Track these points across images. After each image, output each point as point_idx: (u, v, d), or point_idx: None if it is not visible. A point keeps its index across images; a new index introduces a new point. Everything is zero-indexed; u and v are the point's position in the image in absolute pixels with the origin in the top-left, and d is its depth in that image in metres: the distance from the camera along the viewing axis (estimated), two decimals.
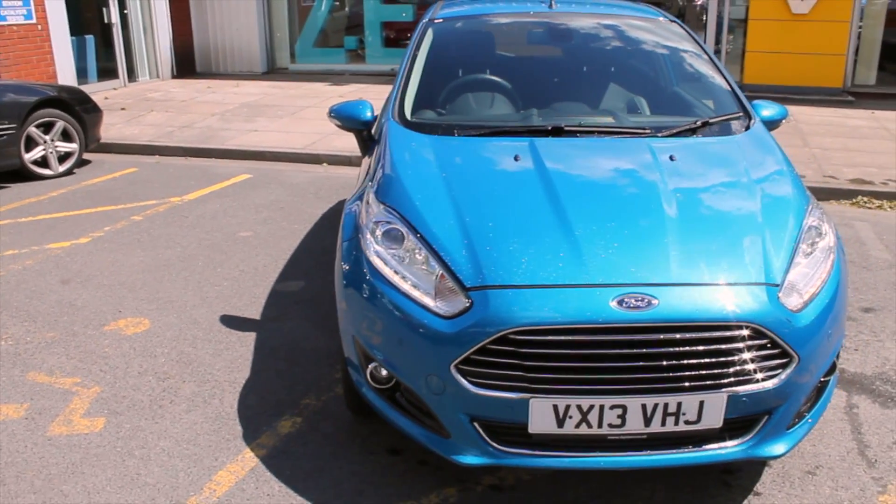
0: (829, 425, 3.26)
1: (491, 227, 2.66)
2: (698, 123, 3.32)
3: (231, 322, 4.32)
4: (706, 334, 2.37)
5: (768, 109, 3.76)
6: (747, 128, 3.41)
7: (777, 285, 2.51)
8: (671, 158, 3.01)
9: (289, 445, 3.17)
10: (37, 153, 7.28)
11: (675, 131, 3.27)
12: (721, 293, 2.43)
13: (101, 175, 7.58)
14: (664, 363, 2.36)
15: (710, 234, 2.65)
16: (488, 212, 2.74)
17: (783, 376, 2.45)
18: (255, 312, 4.43)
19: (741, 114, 3.50)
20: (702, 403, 2.41)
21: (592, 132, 3.26)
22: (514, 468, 2.91)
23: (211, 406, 3.46)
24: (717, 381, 2.39)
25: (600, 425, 2.43)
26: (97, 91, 10.63)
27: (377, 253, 2.75)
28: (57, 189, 7.07)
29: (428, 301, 2.54)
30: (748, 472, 2.95)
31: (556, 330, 2.36)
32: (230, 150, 8.18)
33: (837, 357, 2.79)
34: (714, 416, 2.44)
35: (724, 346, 2.38)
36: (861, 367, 3.74)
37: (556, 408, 2.41)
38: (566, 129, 3.24)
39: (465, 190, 2.86)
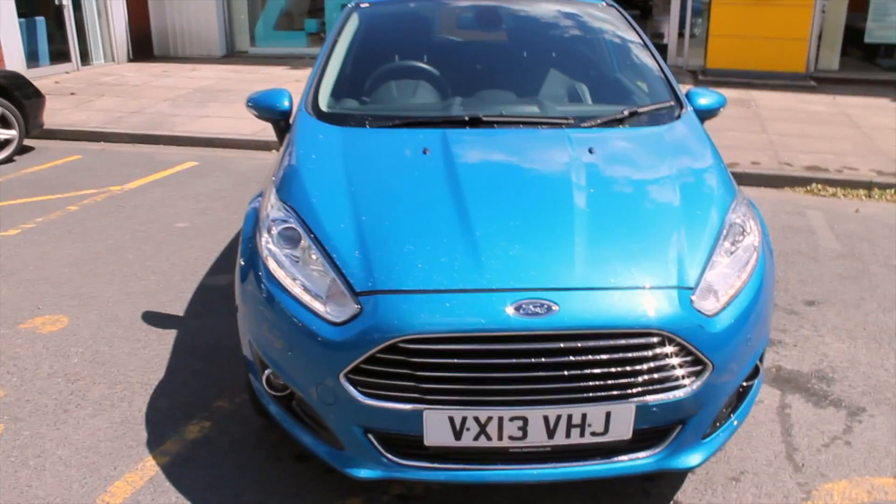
0: (758, 427, 3.14)
1: (387, 227, 2.50)
2: (625, 113, 3.16)
3: (152, 319, 4.13)
4: (611, 342, 2.22)
5: (706, 98, 3.61)
6: (678, 117, 3.25)
7: (690, 288, 2.36)
8: (590, 151, 2.85)
9: (193, 452, 3.01)
10: None
11: (599, 122, 3.11)
12: (628, 298, 2.28)
13: (42, 163, 7.32)
14: (566, 373, 2.21)
15: (622, 234, 2.50)
16: (387, 210, 2.58)
17: (696, 385, 2.32)
18: (179, 308, 4.25)
19: (672, 103, 3.34)
20: (608, 414, 2.27)
21: (512, 123, 3.09)
22: None
23: (118, 410, 3.29)
24: (625, 391, 2.25)
25: (500, 438, 2.29)
26: (48, 75, 10.32)
27: (272, 254, 2.58)
28: None
29: (318, 306, 2.38)
30: (670, 479, 2.82)
31: (449, 338, 2.20)
32: (178, 137, 7.93)
33: (761, 360, 2.66)
34: (622, 428, 2.30)
35: (630, 355, 2.24)
36: (798, 365, 3.63)
37: (451, 420, 2.26)
38: (484, 119, 3.07)
39: (366, 186, 2.70)
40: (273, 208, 2.74)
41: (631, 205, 2.64)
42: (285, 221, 2.65)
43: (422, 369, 2.22)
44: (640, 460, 2.40)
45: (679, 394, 2.30)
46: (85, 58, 11.67)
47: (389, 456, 2.38)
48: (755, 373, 2.66)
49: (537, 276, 2.29)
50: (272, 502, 2.73)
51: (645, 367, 2.24)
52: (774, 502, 2.72)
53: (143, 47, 12.55)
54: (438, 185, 2.65)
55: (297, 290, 2.45)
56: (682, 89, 3.75)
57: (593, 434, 2.30)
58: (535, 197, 2.63)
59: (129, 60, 12.21)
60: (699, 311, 2.33)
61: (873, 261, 4.88)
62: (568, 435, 2.29)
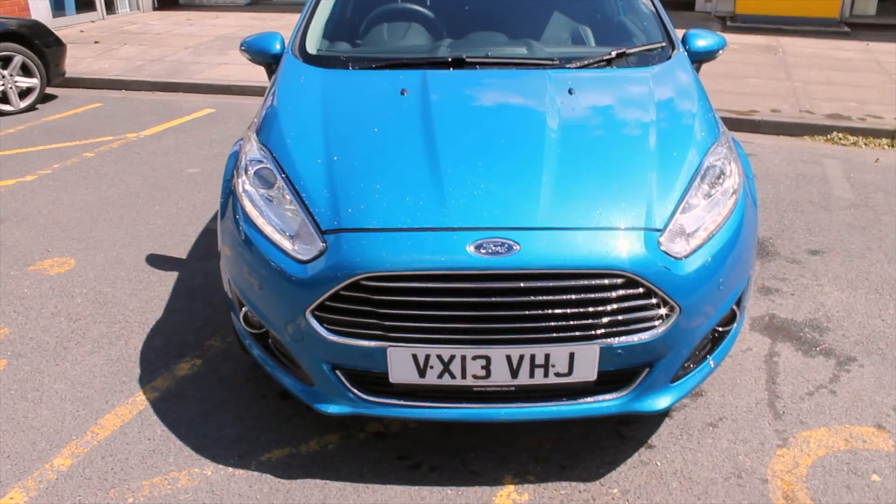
0: (743, 374, 3.12)
1: (356, 166, 2.50)
2: (612, 54, 3.08)
3: (156, 261, 4.22)
4: (573, 282, 2.21)
5: (704, 39, 3.50)
6: (668, 59, 3.16)
7: (658, 230, 2.33)
8: (570, 92, 2.80)
9: (182, 388, 3.10)
10: None
11: (585, 63, 3.04)
12: (591, 238, 2.26)
13: (64, 111, 7.43)
14: (528, 312, 2.21)
15: (592, 175, 2.46)
16: (358, 150, 2.57)
17: (663, 328, 2.30)
18: (182, 251, 4.33)
19: (664, 44, 3.24)
20: (572, 355, 2.27)
21: (496, 64, 3.04)
22: None
23: (115, 348, 3.39)
24: (588, 333, 2.25)
25: (464, 376, 2.31)
26: (74, 24, 10.40)
27: (247, 194, 2.62)
28: (16, 125, 6.94)
29: (287, 245, 2.41)
30: (645, 423, 2.83)
31: (410, 276, 2.21)
32: (197, 84, 7.97)
33: (739, 305, 2.63)
34: (587, 369, 2.30)
35: (593, 296, 2.22)
36: (793, 314, 3.58)
37: (415, 357, 2.29)
38: (468, 60, 3.02)
39: (341, 127, 2.69)
40: (251, 149, 2.77)
41: (604, 145, 2.59)
42: (261, 162, 2.67)
43: (384, 307, 2.25)
44: (606, 402, 2.40)
45: (645, 336, 2.29)
46: (110, 7, 11.74)
47: (357, 392, 2.43)
48: (732, 318, 2.63)
49: (499, 216, 2.28)
50: (251, 436, 2.81)
51: (608, 308, 2.23)
52: (749, 448, 2.71)
53: None
54: (411, 125, 2.63)
55: (268, 230, 2.48)
56: (704, 32, 3.62)
57: (557, 375, 2.31)
58: (507, 137, 2.60)
59: (155, 9, 12.24)
60: (667, 254, 2.30)
61: (886, 210, 4.74)
62: (532, 375, 2.30)
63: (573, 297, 2.21)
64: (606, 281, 2.21)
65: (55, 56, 7.58)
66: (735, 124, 6.32)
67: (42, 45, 7.40)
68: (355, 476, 2.61)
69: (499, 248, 2.20)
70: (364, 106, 2.85)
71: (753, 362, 3.21)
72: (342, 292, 2.27)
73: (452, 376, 2.31)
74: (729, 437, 2.77)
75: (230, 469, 2.66)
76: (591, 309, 2.22)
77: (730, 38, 9.66)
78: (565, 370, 2.30)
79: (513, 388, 2.35)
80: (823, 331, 3.44)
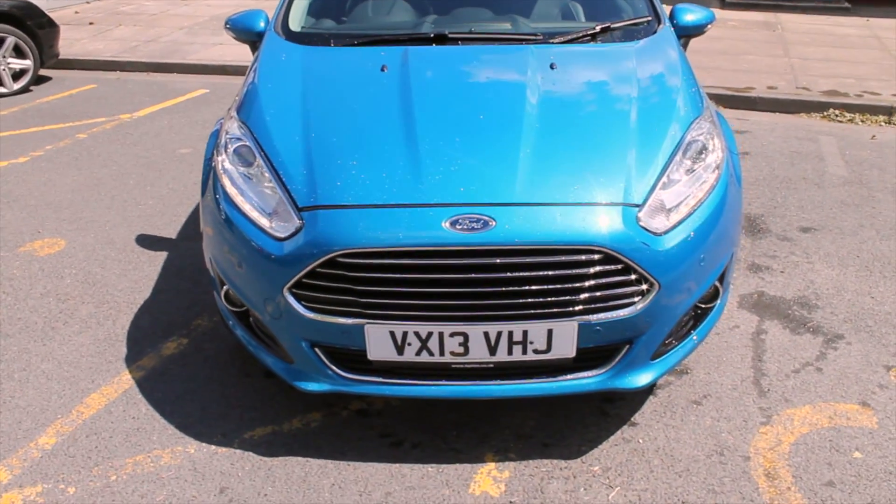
0: (730, 352, 3.11)
1: (334, 143, 2.48)
2: (597, 29, 3.04)
3: (146, 241, 4.22)
4: (550, 258, 2.19)
5: (692, 14, 3.45)
6: (654, 33, 3.12)
7: (637, 205, 2.30)
8: (551, 66, 2.76)
9: (168, 367, 3.11)
10: None
11: (569, 38, 3.00)
12: (568, 214, 2.23)
13: (58, 92, 7.40)
14: (505, 289, 2.20)
15: (571, 150, 2.43)
16: (336, 127, 2.55)
17: (642, 304, 2.28)
18: (172, 231, 4.33)
19: (649, 18, 3.19)
20: (550, 332, 2.26)
21: (479, 40, 3.00)
22: None
23: (103, 328, 3.40)
24: (566, 309, 2.23)
25: (442, 353, 2.30)
26: (69, 5, 10.33)
27: (227, 171, 2.60)
28: (9, 107, 6.91)
29: (264, 222, 2.40)
30: (630, 401, 2.83)
31: (386, 253, 2.20)
32: (192, 65, 7.93)
33: (722, 281, 2.61)
34: (565, 346, 2.29)
35: (570, 272, 2.20)
36: (782, 291, 3.56)
37: (393, 335, 2.28)
38: (450, 36, 2.98)
39: (321, 104, 2.67)
40: (231, 127, 2.75)
41: (584, 120, 2.56)
42: (240, 140, 2.65)
43: (361, 283, 2.24)
44: (586, 379, 2.40)
45: (623, 313, 2.28)
46: None
47: (336, 370, 2.43)
48: (715, 294, 2.61)
49: (476, 191, 2.26)
50: (235, 414, 2.82)
51: (586, 284, 2.21)
52: (732, 426, 2.71)
53: None
54: (390, 101, 2.61)
55: (246, 207, 2.47)
56: (675, 6, 3.59)
57: (536, 352, 2.30)
58: (486, 112, 2.57)
59: None
60: (646, 229, 2.28)
61: (880, 188, 4.71)
62: (510, 352, 2.30)
63: (550, 273, 2.19)
64: (584, 257, 2.20)
65: (48, 37, 7.53)
66: (731, 101, 6.28)
67: (35, 27, 7.35)
68: (336, 453, 2.61)
69: (475, 224, 2.19)
70: (344, 83, 2.82)
71: (740, 340, 3.20)
72: (319, 269, 2.26)
73: (430, 353, 2.31)
74: (713, 415, 2.76)
75: (213, 447, 2.66)
76: (568, 285, 2.21)
77: (729, 14, 9.58)
78: (544, 347, 2.29)
79: (491, 365, 2.35)
80: (812, 308, 3.42)
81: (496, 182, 2.29)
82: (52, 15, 7.69)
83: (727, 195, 2.53)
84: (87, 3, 11.11)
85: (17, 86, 7.30)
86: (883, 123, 5.89)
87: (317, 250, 2.24)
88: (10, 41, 7.14)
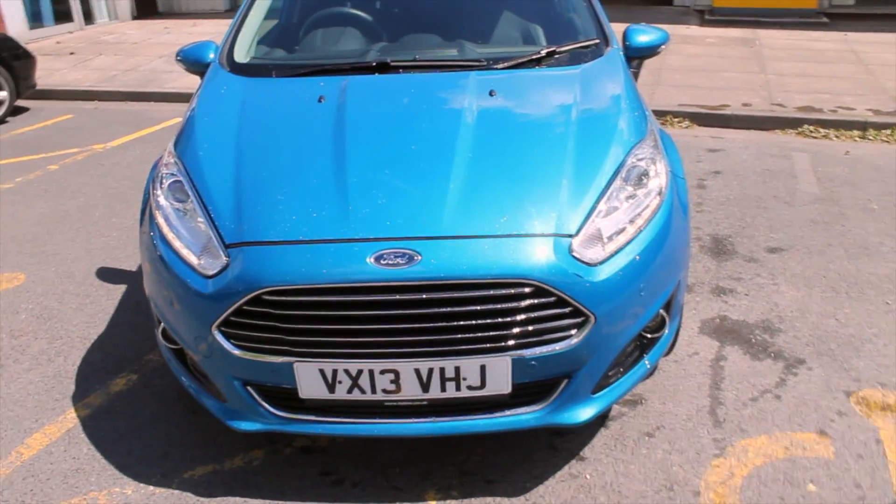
0: (687, 381, 3.04)
1: (263, 178, 2.44)
2: (542, 53, 3.00)
3: (105, 275, 4.17)
4: (479, 293, 2.13)
5: (645, 35, 3.41)
6: (600, 56, 3.07)
7: (569, 235, 2.24)
8: (490, 94, 2.72)
9: (114, 404, 3.04)
10: None
11: (512, 63, 2.96)
12: (497, 246, 2.17)
13: (33, 123, 7.39)
14: (434, 325, 2.14)
15: (504, 180, 2.38)
16: (266, 161, 2.51)
17: (578, 338, 2.21)
18: (133, 264, 4.27)
19: (597, 41, 3.15)
20: (483, 368, 2.19)
21: (421, 67, 2.96)
22: None
23: (54, 364, 3.33)
24: (498, 344, 2.17)
25: (374, 391, 2.24)
26: (51, 35, 10.36)
27: (161, 207, 2.56)
28: None
29: (193, 259, 2.34)
30: (580, 434, 2.75)
31: (311, 290, 2.14)
32: (169, 93, 7.92)
33: (668, 310, 2.54)
34: (500, 382, 2.22)
35: (501, 306, 2.14)
36: (745, 315, 3.49)
37: (322, 372, 2.22)
38: (392, 64, 2.94)
39: (254, 137, 2.63)
40: (167, 162, 2.71)
41: (519, 148, 2.50)
42: (174, 175, 2.61)
43: (287, 321, 2.18)
44: (524, 415, 2.32)
45: (559, 347, 2.21)
46: (88, 17, 11.68)
47: (269, 409, 2.36)
48: (661, 323, 2.55)
49: (402, 225, 2.20)
50: (177, 453, 2.75)
51: (517, 318, 2.15)
52: (684, 459, 2.63)
53: (147, 4, 12.50)
54: (324, 133, 2.56)
55: (177, 244, 2.42)
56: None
57: (470, 388, 2.23)
58: (419, 143, 2.52)
59: (134, 18, 12.19)
60: (579, 260, 2.22)
61: (851, 205, 4.65)
62: (443, 389, 2.23)
63: (480, 307, 2.13)
64: (514, 290, 2.13)
65: (25, 69, 7.54)
66: (705, 119, 6.24)
67: (10, 58, 7.36)
68: (276, 493, 2.54)
69: (399, 259, 2.13)
70: (280, 115, 2.78)
71: (699, 367, 3.13)
72: (245, 307, 2.21)
73: (362, 391, 2.24)
74: (665, 447, 2.68)
75: (151, 488, 2.59)
76: (499, 320, 2.15)
77: (707, 31, 9.59)
78: (478, 383, 2.22)
79: (425, 403, 2.28)
80: (775, 332, 3.35)
81: (423, 215, 2.24)
82: (33, 45, 7.73)
83: (670, 221, 2.47)
84: (70, 32, 11.14)
85: None
86: (857, 139, 5.85)
87: (242, 288, 2.19)
88: None
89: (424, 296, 2.11)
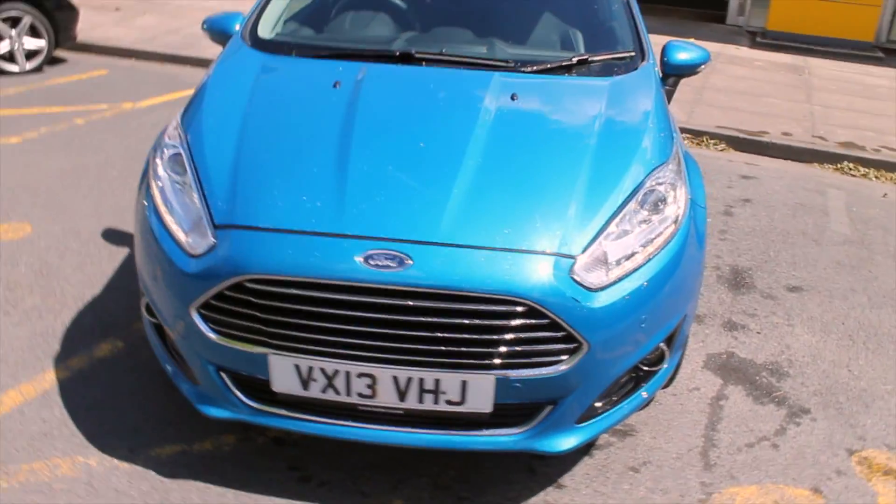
0: (682, 417, 2.90)
1: (264, 160, 2.35)
2: (574, 60, 2.87)
3: (111, 236, 4.12)
4: (469, 306, 2.02)
5: (685, 53, 3.26)
6: (634, 70, 2.93)
7: (572, 256, 2.12)
8: (512, 98, 2.60)
9: (96, 370, 2.99)
10: (2, 47, 7.11)
11: (540, 68, 2.83)
12: (493, 260, 2.06)
13: (68, 75, 7.39)
14: (417, 334, 2.04)
15: (512, 191, 2.26)
16: (270, 143, 2.42)
17: (568, 364, 2.10)
18: None
19: (633, 53, 3.01)
20: (464, 383, 2.09)
21: (445, 62, 2.85)
22: None
23: (43, 321, 3.29)
24: (483, 361, 2.06)
25: (349, 394, 2.15)
26: None
27: (158, 178, 2.49)
28: (18, 86, 6.91)
29: (181, 236, 2.27)
30: (563, 460, 2.63)
31: (294, 283, 2.05)
32: (205, 60, 7.85)
33: (670, 344, 2.41)
34: (481, 400, 2.12)
35: (490, 322, 2.03)
36: (754, 354, 3.34)
37: (297, 368, 2.13)
38: (416, 56, 2.83)
39: (261, 117, 2.55)
40: (171, 132, 2.64)
41: (533, 159, 2.38)
42: (175, 147, 2.54)
43: (267, 312, 2.09)
44: (502, 437, 2.22)
45: (547, 371, 2.10)
46: None
47: (242, 398, 2.29)
48: (660, 358, 2.42)
49: (397, 226, 2.10)
50: (148, 428, 2.69)
51: (506, 337, 2.04)
52: (667, 500, 2.50)
53: None
54: (333, 120, 2.46)
55: (167, 218, 2.35)
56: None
57: (449, 403, 2.13)
58: (429, 141, 2.41)
59: None
60: (579, 284, 2.10)
61: (882, 251, 4.45)
62: (421, 400, 2.13)
63: (468, 321, 2.03)
64: (505, 308, 2.02)
65: (66, 20, 7.53)
66: (742, 144, 6.04)
67: (52, 8, 7.34)
68: (240, 483, 2.46)
69: (390, 262, 2.03)
70: (292, 96, 2.68)
71: (697, 404, 2.99)
72: (226, 292, 2.12)
73: (337, 392, 2.15)
74: (648, 485, 2.56)
75: (115, 461, 2.53)
76: (487, 336, 2.04)
77: (756, 54, 9.33)
78: (457, 398, 2.12)
79: (401, 412, 2.18)
80: (782, 376, 3.20)
81: (420, 218, 2.13)
82: None
83: (682, 252, 2.34)
84: None
85: (29, 66, 7.30)
86: None
87: (225, 272, 2.10)
88: (27, 21, 7.14)
89: (411, 303, 2.01)
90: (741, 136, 6.06)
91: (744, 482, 2.60)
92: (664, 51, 3.29)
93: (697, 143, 6.21)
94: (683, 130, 6.28)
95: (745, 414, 2.95)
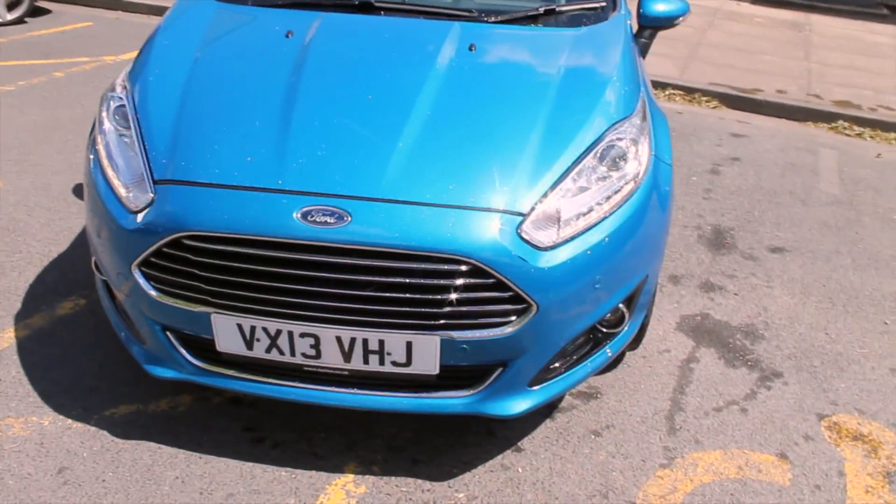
0: (650, 379, 2.85)
1: (207, 114, 2.26)
2: (540, 10, 2.74)
3: (81, 191, 4.04)
4: (411, 265, 1.95)
5: (662, 4, 3.13)
6: (604, 21, 2.80)
7: (521, 214, 2.04)
8: (470, 48, 2.48)
9: (56, 328, 2.94)
10: None
11: (504, 18, 2.70)
12: (436, 217, 1.98)
13: (51, 27, 7.24)
14: (359, 293, 1.97)
15: (460, 144, 2.16)
16: (214, 96, 2.33)
17: (516, 326, 2.03)
18: None
19: (603, 3, 2.87)
20: (409, 344, 2.03)
21: (406, 11, 2.72)
22: None
23: (7, 279, 3.24)
24: (427, 322, 2.00)
25: (293, 354, 2.09)
26: None
27: (104, 132, 2.40)
28: None
29: (122, 192, 2.19)
30: (523, 422, 2.58)
31: (232, 239, 1.98)
32: None
33: (630, 306, 2.34)
34: (427, 361, 2.06)
35: (433, 282, 1.96)
36: (729, 316, 3.27)
37: (240, 327, 2.07)
38: (377, 5, 2.71)
39: (208, 68, 2.44)
40: (117, 85, 2.54)
41: (487, 112, 2.28)
42: (121, 99, 2.45)
43: (207, 270, 2.02)
44: (451, 399, 2.16)
45: (494, 333, 2.03)
46: None
47: (188, 357, 2.23)
48: (620, 319, 2.35)
49: (337, 181, 2.01)
50: (105, 387, 2.65)
51: (450, 297, 1.97)
52: (627, 465, 2.45)
53: None
54: (280, 71, 2.36)
55: (109, 173, 2.27)
56: None
57: (395, 364, 2.07)
58: (378, 93, 2.30)
59: None
60: (527, 242, 2.02)
61: (870, 212, 4.35)
62: (366, 361, 2.07)
63: (410, 281, 1.95)
64: (448, 267, 1.95)
65: None
66: (735, 102, 5.90)
67: None
68: (193, 443, 2.43)
69: (328, 218, 1.95)
70: (242, 47, 2.58)
71: (666, 367, 2.93)
72: (165, 249, 2.05)
73: (281, 352, 2.10)
74: (609, 449, 2.51)
75: (69, 421, 2.49)
76: (430, 296, 1.97)
77: (757, 10, 9.08)
78: (403, 360, 2.06)
79: (346, 373, 2.13)
80: (757, 339, 3.13)
81: (362, 173, 2.04)
82: None
83: (643, 211, 2.25)
84: None
85: (10, 16, 7.13)
86: (893, 141, 5.48)
87: (162, 229, 2.03)
88: None
89: (350, 261, 1.94)
90: (734, 93, 5.90)
91: (708, 447, 2.55)
92: (640, 2, 3.15)
93: (689, 101, 6.06)
94: (675, 87, 6.14)
95: (715, 377, 2.89)
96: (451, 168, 2.09)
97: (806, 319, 3.29)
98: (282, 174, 2.03)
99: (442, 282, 1.96)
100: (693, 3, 9.36)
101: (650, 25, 3.15)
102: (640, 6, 3.14)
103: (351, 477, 2.34)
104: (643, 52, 3.29)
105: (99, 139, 2.39)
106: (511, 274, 1.98)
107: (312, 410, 2.56)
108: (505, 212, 2.02)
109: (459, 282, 1.96)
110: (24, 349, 2.82)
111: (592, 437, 2.56)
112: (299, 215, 1.96)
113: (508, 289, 1.99)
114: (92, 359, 2.79)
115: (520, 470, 2.40)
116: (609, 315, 2.31)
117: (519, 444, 2.51)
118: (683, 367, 2.94)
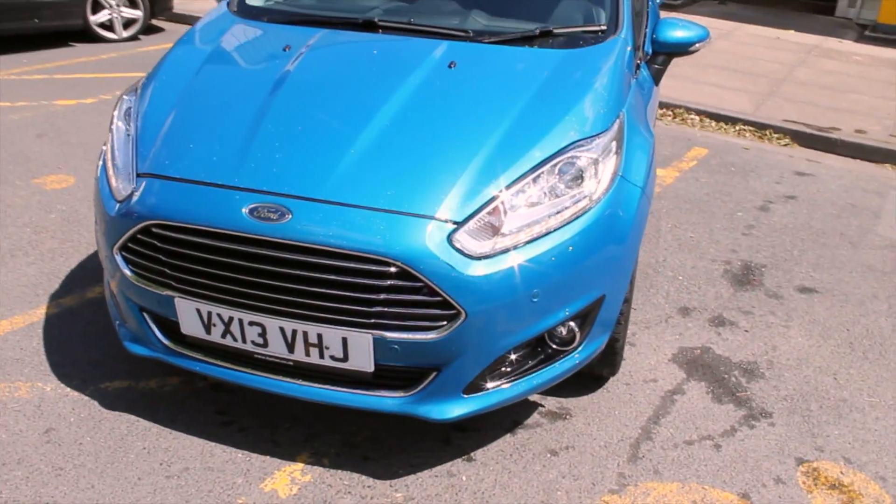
0: (628, 406, 2.79)
1: (192, 115, 2.49)
2: (536, 32, 2.79)
3: None
4: (344, 263, 2.06)
5: (678, 30, 3.10)
6: (599, 43, 2.80)
7: (455, 222, 2.10)
8: (450, 65, 2.56)
9: (82, 309, 3.23)
10: (102, 16, 7.70)
11: (497, 39, 2.76)
12: (369, 220, 2.08)
13: (161, 43, 7.89)
14: (299, 287, 2.10)
15: (410, 153, 2.26)
16: (204, 102, 2.56)
17: (445, 332, 2.10)
18: None
19: (604, 27, 2.87)
20: (345, 340, 2.13)
21: (404, 30, 2.84)
22: None
23: (54, 263, 3.58)
24: (360, 320, 2.10)
25: (244, 341, 2.24)
26: None
27: (115, 129, 2.67)
28: (112, 52, 7.47)
29: (113, 182, 2.44)
30: (484, 434, 2.61)
31: (191, 230, 2.17)
32: None
33: (581, 324, 2.33)
34: (362, 358, 2.16)
35: (364, 281, 2.07)
36: (732, 352, 3.15)
37: (199, 312, 2.25)
38: (379, 24, 2.85)
39: (207, 77, 2.68)
40: (131, 89, 2.82)
41: (448, 124, 2.36)
42: (129, 101, 2.72)
43: (171, 256, 2.22)
44: (385, 398, 2.25)
45: (424, 336, 2.11)
46: None
47: (160, 337, 2.43)
48: (570, 340, 2.34)
49: (283, 181, 2.16)
50: (107, 363, 2.89)
51: (379, 297, 2.06)
52: (575, 486, 2.42)
53: None
54: (265, 81, 2.54)
55: (109, 164, 2.52)
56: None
57: (333, 358, 2.18)
58: (346, 103, 2.44)
59: None
60: (459, 250, 2.07)
61: None
62: (307, 353, 2.19)
63: (342, 279, 2.06)
64: (377, 268, 2.04)
65: None
66: (808, 140, 5.64)
67: None
68: (168, 420, 2.61)
69: (271, 214, 2.09)
70: (242, 58, 2.80)
71: (648, 396, 2.86)
72: (139, 236, 2.27)
73: (234, 339, 2.25)
74: (562, 470, 2.49)
75: (67, 390, 2.75)
76: (361, 295, 2.07)
77: (859, 48, 8.64)
78: (340, 355, 2.16)
79: (291, 364, 2.25)
80: (755, 377, 3.01)
81: (310, 174, 2.18)
82: None
83: (596, 230, 2.25)
84: None
85: (126, 34, 7.88)
86: None
87: (136, 217, 2.26)
88: None
89: (290, 256, 2.07)
90: (808, 131, 5.65)
91: (666, 479, 2.48)
92: (657, 28, 3.13)
93: (759, 137, 5.85)
94: (746, 123, 5.94)
95: (697, 411, 2.80)
96: (396, 174, 2.19)
97: (816, 362, 3.12)
98: (239, 172, 2.21)
99: (372, 282, 2.06)
100: (789, 39, 9.03)
101: (664, 52, 3.13)
102: (653, 33, 3.13)
103: (300, 466, 2.44)
104: (656, 78, 3.26)
105: (108, 136, 2.65)
106: (439, 280, 2.04)
107: (284, 401, 2.70)
108: (437, 219, 2.10)
109: (387, 283, 2.05)
110: (50, 324, 3.12)
111: (548, 455, 2.55)
112: (247, 211, 2.12)
113: (437, 294, 2.06)
114: (104, 338, 3.05)
115: (464, 478, 2.43)
116: (560, 330, 2.32)
117: (472, 454, 2.54)
118: (666, 398, 2.86)
